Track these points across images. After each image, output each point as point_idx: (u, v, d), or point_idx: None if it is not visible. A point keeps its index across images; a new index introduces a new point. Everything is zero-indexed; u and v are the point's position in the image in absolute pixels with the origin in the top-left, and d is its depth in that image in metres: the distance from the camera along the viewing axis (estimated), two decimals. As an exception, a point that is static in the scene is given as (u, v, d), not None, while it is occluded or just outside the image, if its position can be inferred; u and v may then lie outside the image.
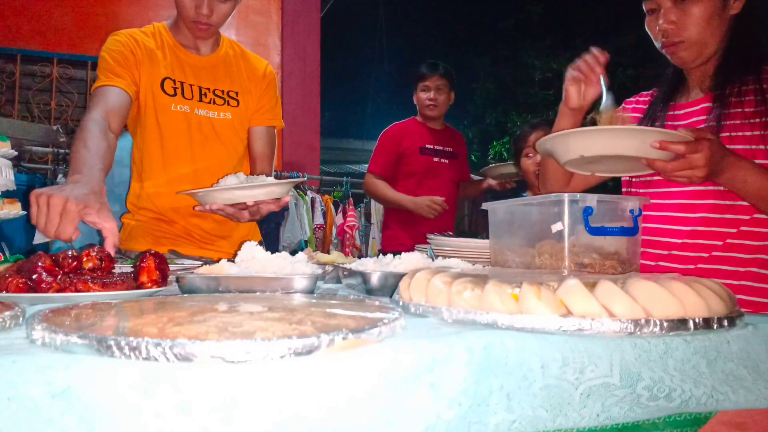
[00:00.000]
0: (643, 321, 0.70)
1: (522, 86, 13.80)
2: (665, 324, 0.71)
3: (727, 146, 1.29)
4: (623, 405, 0.69)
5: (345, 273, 1.22)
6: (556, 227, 1.13)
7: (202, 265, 1.18)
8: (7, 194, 1.47)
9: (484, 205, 1.39)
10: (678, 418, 0.75)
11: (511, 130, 13.28)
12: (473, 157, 14.08)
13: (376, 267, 1.20)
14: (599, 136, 1.17)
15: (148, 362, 0.54)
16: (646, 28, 1.43)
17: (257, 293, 0.98)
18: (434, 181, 3.03)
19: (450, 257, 1.32)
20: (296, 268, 1.12)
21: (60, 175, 3.93)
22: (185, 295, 0.99)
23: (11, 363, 0.53)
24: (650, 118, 1.53)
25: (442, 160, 3.15)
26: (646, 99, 1.62)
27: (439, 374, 0.62)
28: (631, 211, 1.15)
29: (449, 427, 0.62)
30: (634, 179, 1.56)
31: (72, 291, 0.92)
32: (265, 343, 0.56)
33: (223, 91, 1.80)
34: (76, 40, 4.85)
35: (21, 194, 1.48)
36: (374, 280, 1.11)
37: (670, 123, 1.47)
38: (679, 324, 0.71)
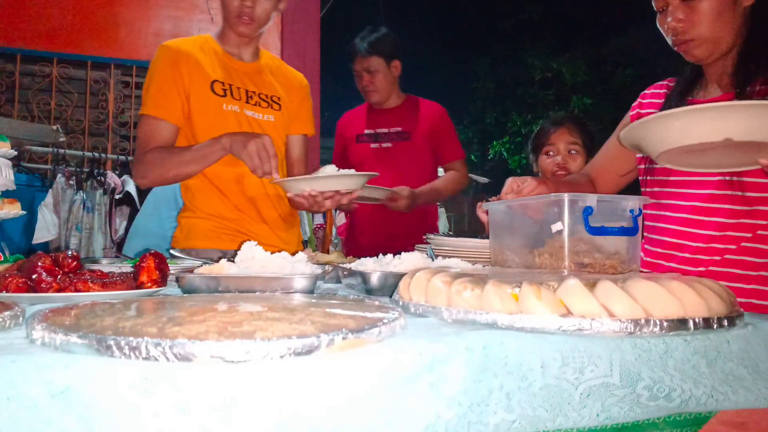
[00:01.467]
0: (643, 321, 0.70)
1: (522, 86, 13.81)
2: (665, 324, 0.71)
3: None
4: (623, 405, 0.69)
5: (345, 273, 1.22)
6: (556, 227, 1.12)
7: (202, 265, 1.18)
8: (7, 194, 1.46)
9: (484, 205, 1.39)
10: (678, 418, 0.75)
11: (511, 130, 13.29)
12: (473, 157, 14.09)
13: (375, 267, 1.20)
14: (721, 115, 0.89)
15: (148, 362, 0.54)
16: (658, 26, 1.39)
17: (257, 293, 0.98)
18: (379, 170, 2.30)
19: (450, 257, 1.32)
20: (296, 268, 1.12)
21: (59, 175, 3.93)
22: (185, 295, 0.99)
23: (11, 363, 0.53)
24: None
25: (383, 145, 2.66)
26: (662, 92, 1.56)
27: (438, 374, 0.62)
28: (631, 210, 1.15)
29: (449, 426, 0.62)
30: (649, 179, 1.50)
31: (72, 291, 0.92)
32: (265, 343, 0.56)
33: (267, 95, 1.89)
34: (76, 40, 4.83)
35: (21, 194, 1.48)
36: (374, 280, 1.11)
37: None
38: (679, 324, 0.71)
